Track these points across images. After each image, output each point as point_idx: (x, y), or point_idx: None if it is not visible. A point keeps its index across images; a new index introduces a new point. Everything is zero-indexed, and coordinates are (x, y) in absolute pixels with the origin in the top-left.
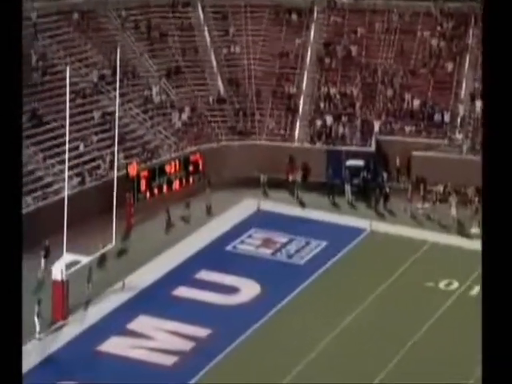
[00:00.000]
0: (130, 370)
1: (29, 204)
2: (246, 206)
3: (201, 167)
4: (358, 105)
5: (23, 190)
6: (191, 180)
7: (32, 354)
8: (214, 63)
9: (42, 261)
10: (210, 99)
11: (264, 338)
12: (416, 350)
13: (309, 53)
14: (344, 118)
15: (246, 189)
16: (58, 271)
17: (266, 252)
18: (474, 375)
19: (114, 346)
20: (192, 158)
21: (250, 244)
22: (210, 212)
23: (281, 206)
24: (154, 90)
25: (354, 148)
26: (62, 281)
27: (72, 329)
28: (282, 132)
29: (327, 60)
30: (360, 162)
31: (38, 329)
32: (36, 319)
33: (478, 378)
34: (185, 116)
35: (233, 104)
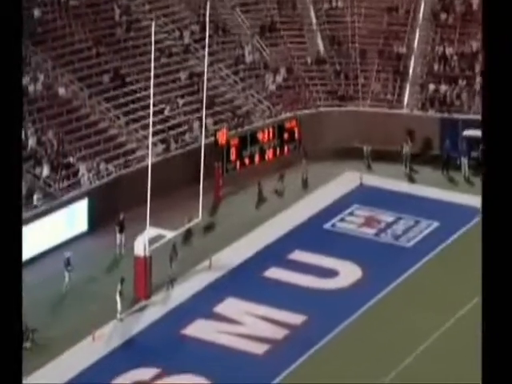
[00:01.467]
0: (216, 356)
1: (110, 172)
2: (347, 179)
3: (297, 135)
4: (478, 67)
5: (104, 157)
6: (286, 149)
7: (112, 336)
8: (314, 19)
9: (117, 236)
10: (308, 60)
11: (365, 328)
12: None
13: (421, 7)
14: (461, 82)
15: (347, 160)
16: (140, 246)
17: (369, 232)
18: None
19: (200, 329)
20: (287, 124)
21: (351, 222)
22: (306, 186)
23: (387, 180)
24: (247, 48)
25: (472, 116)
26: (145, 257)
27: (155, 309)
28: (389, 97)
29: (443, 15)
30: (479, 133)
31: (119, 309)
32: (118, 298)
33: None
34: (280, 78)
35: (333, 65)
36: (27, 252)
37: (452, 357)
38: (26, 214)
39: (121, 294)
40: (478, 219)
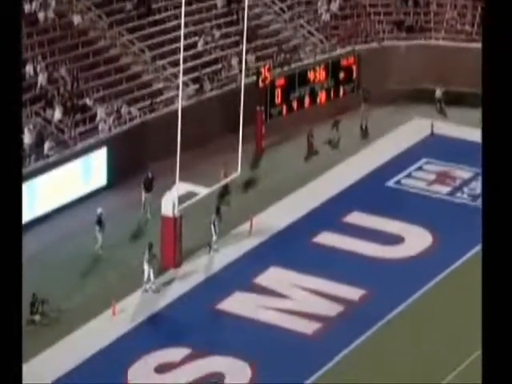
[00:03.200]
0: (257, 335)
1: (133, 117)
2: (416, 127)
3: (355, 75)
4: None
5: (126, 99)
6: (342, 92)
7: (136, 311)
8: None
9: (143, 195)
10: None
11: (435, 304)
12: None
13: None
14: None
15: (416, 105)
16: (168, 205)
17: (442, 190)
18: None
19: (238, 304)
20: (344, 62)
21: (420, 179)
22: (365, 135)
23: (463, 129)
24: None
25: None
26: (175, 217)
27: (186, 280)
28: (468, 28)
29: None
30: None
31: (146, 278)
32: (146, 266)
33: None
34: (335, 6)
35: None
36: (37, 209)
37: None
38: (35, 165)
39: (149, 261)
40: None
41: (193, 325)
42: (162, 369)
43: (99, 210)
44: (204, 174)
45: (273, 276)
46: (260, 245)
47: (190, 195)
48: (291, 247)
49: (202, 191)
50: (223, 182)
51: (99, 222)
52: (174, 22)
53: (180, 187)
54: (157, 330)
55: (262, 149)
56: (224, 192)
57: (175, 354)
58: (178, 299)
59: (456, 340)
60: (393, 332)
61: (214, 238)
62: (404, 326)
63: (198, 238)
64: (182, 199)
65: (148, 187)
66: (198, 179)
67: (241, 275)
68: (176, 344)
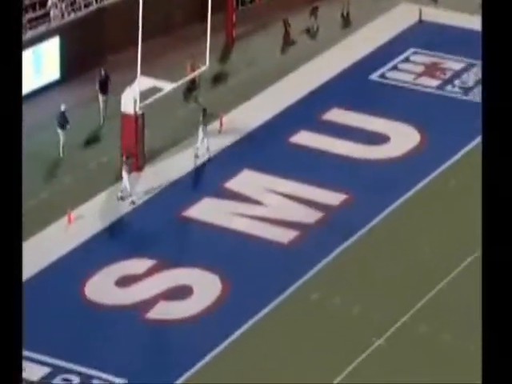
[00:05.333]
0: (227, 245)
1: (89, 1)
2: (402, 14)
3: None
4: None
5: None
6: None
7: (96, 217)
8: None
9: (100, 98)
10: None
11: (424, 207)
12: None
13: None
14: None
15: None
16: (129, 102)
17: (431, 84)
18: None
19: (207, 210)
20: None
21: (407, 71)
22: (347, 23)
23: (454, 15)
24: None
25: None
26: (136, 115)
27: (149, 185)
28: None
29: None
30: None
31: (124, 187)
32: (126, 175)
33: None
34: None
35: None
36: None
37: None
38: None
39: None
40: None
41: (157, 234)
42: (123, 282)
43: (63, 108)
44: (168, 68)
45: (245, 180)
46: (231, 146)
47: (152, 91)
48: (265, 148)
49: (167, 86)
50: (190, 77)
51: (63, 120)
52: None
53: (142, 82)
54: (117, 240)
55: (233, 39)
56: (191, 87)
57: (138, 265)
58: (140, 206)
59: (446, 246)
60: (376, 239)
61: (199, 144)
62: (389, 232)
63: (163, 139)
64: (144, 95)
65: (103, 89)
66: (162, 73)
67: (210, 179)
68: (139, 255)
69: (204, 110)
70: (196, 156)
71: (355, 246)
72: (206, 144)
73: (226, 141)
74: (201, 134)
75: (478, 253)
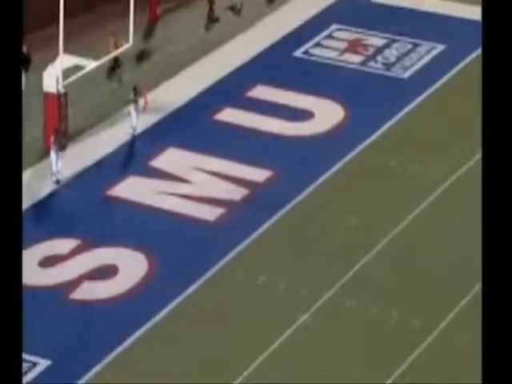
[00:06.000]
0: (153, 223)
1: None
2: None
3: None
4: None
5: None
6: None
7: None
8: None
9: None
10: None
11: (349, 182)
12: None
13: None
14: None
15: None
16: (51, 80)
17: (354, 60)
18: None
19: (132, 189)
20: None
21: (331, 48)
22: (271, 0)
23: None
24: None
25: None
26: (59, 94)
27: (72, 164)
28: None
29: None
30: None
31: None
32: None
33: None
34: None
35: None
36: None
37: (454, 210)
38: None
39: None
40: None
41: (81, 213)
42: (47, 262)
43: None
44: (91, 46)
45: (170, 158)
46: (155, 124)
47: (75, 69)
48: (191, 126)
49: (89, 64)
50: (113, 54)
51: None
52: None
53: (64, 60)
54: (41, 220)
55: (157, 16)
56: (114, 65)
57: (62, 245)
58: (64, 185)
59: (371, 219)
60: (301, 214)
61: (134, 122)
62: (314, 208)
63: (87, 117)
64: (66, 73)
65: (24, 67)
66: (85, 51)
67: (135, 158)
68: (63, 235)
69: (134, 89)
70: (133, 134)
71: (281, 222)
72: (134, 123)
73: (150, 119)
74: (133, 112)
75: (403, 224)
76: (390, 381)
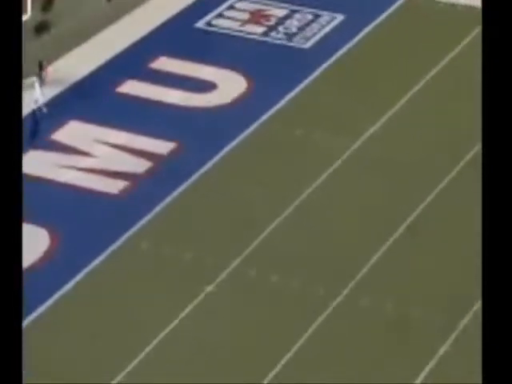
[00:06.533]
0: (56, 198)
1: None
2: None
3: None
4: None
5: None
6: None
7: None
8: None
9: None
10: None
11: (252, 152)
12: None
13: None
14: None
15: None
16: None
17: (256, 31)
18: None
19: (34, 163)
20: None
21: (232, 19)
22: None
23: None
24: None
25: None
26: None
27: None
28: None
29: None
30: None
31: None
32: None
33: None
34: None
35: None
36: None
37: (357, 178)
38: None
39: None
40: (395, 7)
41: None
42: None
43: None
44: None
45: (72, 131)
46: (56, 97)
47: None
48: (92, 98)
49: None
50: None
51: None
52: None
53: None
54: None
55: None
56: None
57: None
58: None
59: (273, 190)
60: (206, 186)
61: (40, 99)
62: (218, 179)
63: None
64: None
65: None
66: None
67: (35, 132)
68: None
69: (40, 63)
70: (39, 110)
71: (185, 193)
72: (38, 96)
73: (51, 92)
74: (37, 87)
75: (308, 192)
76: (295, 347)
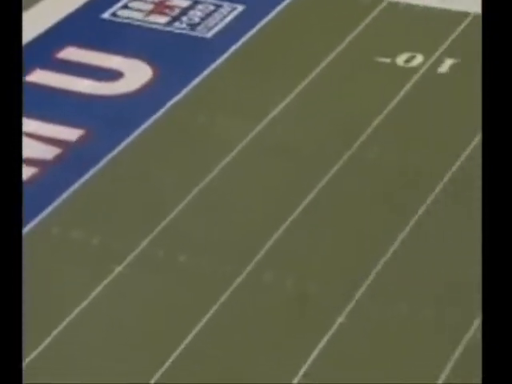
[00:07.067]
0: None
1: None
2: None
3: None
4: None
5: None
6: None
7: None
8: None
9: None
10: None
11: (157, 139)
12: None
13: None
14: None
15: None
16: None
17: (160, 21)
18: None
19: None
20: None
21: (137, 9)
22: None
23: None
24: None
25: None
26: None
27: None
28: None
29: None
30: None
31: None
32: None
33: None
34: None
35: None
36: None
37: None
38: None
39: None
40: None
41: None
42: None
43: None
44: None
45: None
46: None
47: None
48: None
49: None
50: None
51: None
52: None
53: None
54: None
55: None
56: None
57: None
58: None
59: (181, 174)
60: (115, 172)
61: None
62: (127, 165)
63: None
64: None
65: None
66: None
67: None
68: None
69: None
70: None
71: (95, 178)
72: None
73: None
74: None
75: (211, 177)
76: (199, 326)
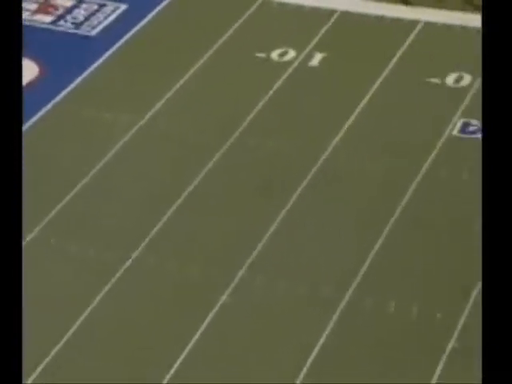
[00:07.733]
0: None
1: None
2: None
3: None
4: None
5: None
6: None
7: None
8: None
9: None
10: None
11: (45, 133)
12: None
13: None
14: None
15: None
16: None
17: (45, 20)
18: None
19: None
20: None
21: (23, 9)
22: None
23: None
24: None
25: None
26: None
27: None
28: None
29: None
30: None
31: None
32: None
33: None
34: None
35: None
36: None
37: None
38: None
39: None
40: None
41: None
42: None
43: None
44: None
45: None
46: None
47: None
48: None
49: None
50: None
51: None
52: None
53: None
54: None
55: None
56: None
57: None
58: None
59: (73, 164)
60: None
61: None
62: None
63: None
64: None
65: None
66: None
67: None
68: None
69: None
70: None
71: None
72: None
73: None
74: None
75: (92, 173)
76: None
